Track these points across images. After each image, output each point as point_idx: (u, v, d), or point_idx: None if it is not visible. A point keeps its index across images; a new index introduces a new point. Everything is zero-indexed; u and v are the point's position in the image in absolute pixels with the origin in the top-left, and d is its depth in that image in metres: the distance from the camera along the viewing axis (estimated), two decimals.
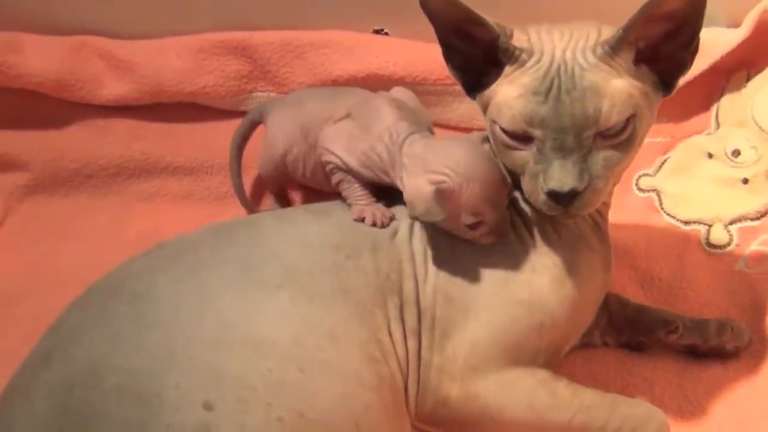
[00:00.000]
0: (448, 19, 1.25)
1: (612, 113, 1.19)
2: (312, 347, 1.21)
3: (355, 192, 1.43)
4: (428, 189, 1.27)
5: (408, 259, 1.34)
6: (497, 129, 1.25)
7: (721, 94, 1.83)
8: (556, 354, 1.37)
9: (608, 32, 1.23)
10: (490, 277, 1.32)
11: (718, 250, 1.65)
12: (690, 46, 1.25)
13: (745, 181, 1.70)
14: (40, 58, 1.89)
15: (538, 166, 1.22)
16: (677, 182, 1.76)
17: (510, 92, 1.23)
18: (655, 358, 1.52)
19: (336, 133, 1.47)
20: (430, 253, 1.35)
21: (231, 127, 1.81)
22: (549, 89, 1.20)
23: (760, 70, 1.78)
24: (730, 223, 1.67)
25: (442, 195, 1.27)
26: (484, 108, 1.29)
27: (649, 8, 1.18)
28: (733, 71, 1.83)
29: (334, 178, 1.46)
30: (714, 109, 1.82)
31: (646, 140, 1.74)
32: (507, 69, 1.25)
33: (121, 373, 1.12)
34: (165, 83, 1.87)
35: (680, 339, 1.49)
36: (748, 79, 1.80)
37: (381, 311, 1.30)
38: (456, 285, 1.32)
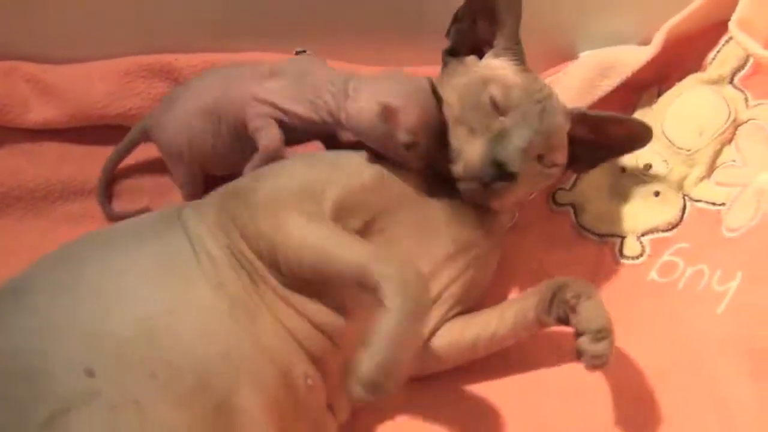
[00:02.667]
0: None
1: (559, 148, 1.52)
2: (172, 290, 1.30)
3: (272, 131, 1.57)
4: (374, 106, 1.45)
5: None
6: (486, 92, 1.48)
7: (633, 110, 1.88)
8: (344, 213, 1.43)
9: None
10: (291, 163, 1.52)
11: (631, 261, 1.71)
12: (612, 156, 1.56)
13: (657, 193, 1.76)
14: None
15: (496, 134, 1.44)
16: (592, 196, 1.81)
17: (509, 72, 1.52)
18: None
19: (276, 87, 1.61)
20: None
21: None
22: (537, 91, 1.49)
23: (670, 86, 1.84)
24: (643, 235, 1.72)
25: (385, 111, 1.44)
26: (461, 70, 1.55)
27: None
28: (645, 88, 1.88)
29: (255, 123, 1.59)
30: None
31: None
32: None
33: (6, 354, 1.17)
34: (91, 106, 1.88)
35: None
36: (659, 95, 1.86)
37: (200, 235, 1.40)
38: (255, 176, 1.50)
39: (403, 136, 1.44)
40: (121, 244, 1.38)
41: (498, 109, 1.47)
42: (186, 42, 1.89)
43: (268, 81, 1.62)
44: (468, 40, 1.57)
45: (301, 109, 1.58)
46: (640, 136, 1.56)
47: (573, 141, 1.54)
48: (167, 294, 1.29)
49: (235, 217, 1.40)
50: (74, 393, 1.13)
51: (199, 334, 1.26)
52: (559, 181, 1.82)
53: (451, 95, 1.51)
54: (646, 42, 1.85)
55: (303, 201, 1.38)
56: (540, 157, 1.49)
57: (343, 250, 1.32)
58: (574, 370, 1.45)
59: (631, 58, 1.82)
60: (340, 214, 1.40)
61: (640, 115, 1.86)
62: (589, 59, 1.87)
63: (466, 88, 1.51)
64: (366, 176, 1.46)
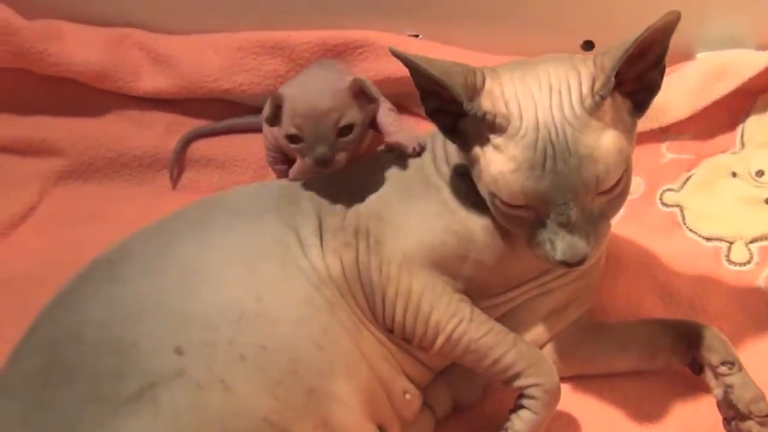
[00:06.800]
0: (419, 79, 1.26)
1: (608, 177, 1.20)
2: (266, 276, 1.29)
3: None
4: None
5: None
6: (497, 201, 1.26)
7: (747, 115, 1.85)
8: (473, 293, 1.39)
9: (585, 69, 1.23)
10: (424, 210, 1.37)
11: (738, 268, 1.67)
12: (659, 66, 1.26)
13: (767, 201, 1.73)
14: (80, 47, 1.92)
15: (542, 235, 1.23)
16: (701, 199, 1.77)
17: (503, 165, 1.22)
18: None
19: None
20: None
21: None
22: (544, 160, 1.19)
23: None
24: (751, 242, 1.69)
25: (274, 98, 1.38)
26: (470, 164, 1.30)
27: (632, 47, 1.18)
28: (760, 93, 1.85)
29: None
30: (739, 129, 1.85)
31: (673, 156, 1.78)
32: (488, 133, 1.24)
33: (98, 326, 1.20)
34: (202, 80, 1.90)
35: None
36: None
37: (317, 240, 1.36)
38: (387, 211, 1.38)
39: (286, 128, 1.40)
40: (219, 219, 1.37)
41: (521, 206, 1.25)
42: (299, 19, 1.90)
43: None
44: (453, 111, 1.27)
45: None
46: (671, 26, 1.22)
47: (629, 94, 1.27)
48: (258, 279, 1.29)
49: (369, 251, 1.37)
50: (162, 369, 1.15)
51: (293, 322, 1.26)
52: (668, 182, 1.81)
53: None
54: (763, 47, 1.83)
55: (439, 275, 1.36)
56: (597, 195, 1.23)
57: (496, 350, 1.34)
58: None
59: (748, 62, 1.80)
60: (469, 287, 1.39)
61: (754, 120, 1.83)
62: (705, 61, 1.85)
63: (490, 203, 1.30)
64: (494, 253, 1.37)
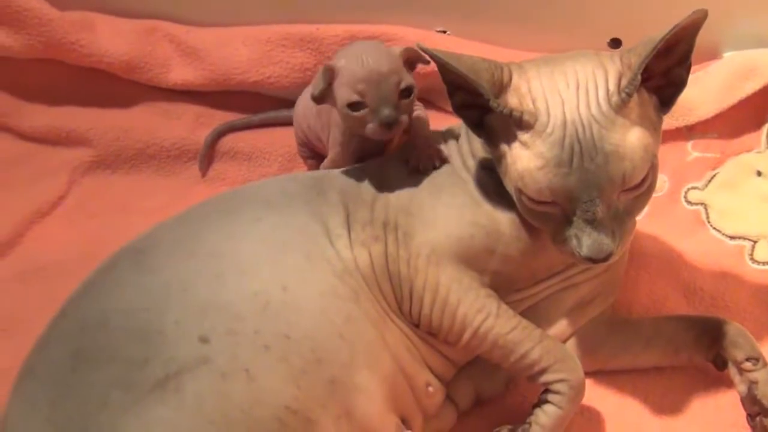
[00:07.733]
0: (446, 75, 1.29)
1: (634, 174, 1.21)
2: (291, 266, 1.30)
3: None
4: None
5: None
6: (523, 197, 1.26)
7: None
8: (499, 287, 1.39)
9: (612, 66, 1.24)
10: (452, 202, 1.38)
11: (762, 266, 1.66)
12: (685, 63, 1.26)
13: None
14: (111, 38, 1.95)
15: (568, 231, 1.24)
16: (725, 197, 1.77)
17: (530, 162, 1.22)
18: None
19: None
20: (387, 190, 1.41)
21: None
22: (571, 157, 1.20)
23: None
24: None
25: (326, 71, 1.39)
26: (496, 159, 1.31)
27: (659, 45, 1.19)
28: None
29: None
30: (765, 128, 1.83)
31: (698, 154, 1.78)
32: (515, 129, 1.25)
33: (125, 313, 1.21)
34: (231, 72, 1.93)
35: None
36: None
37: (344, 231, 1.37)
38: (416, 204, 1.38)
39: (346, 95, 1.38)
40: (246, 210, 1.38)
41: (547, 203, 1.25)
42: (327, 13, 1.92)
43: None
44: (480, 105, 1.27)
45: None
46: (697, 24, 1.22)
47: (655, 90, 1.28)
48: (284, 269, 1.29)
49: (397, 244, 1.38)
50: (187, 357, 1.15)
51: (317, 312, 1.27)
52: (693, 180, 1.81)
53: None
54: None
55: (466, 269, 1.36)
56: (623, 192, 1.23)
57: (522, 346, 1.34)
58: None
59: None
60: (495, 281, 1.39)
61: None
62: (732, 61, 1.84)
63: (516, 199, 1.30)
64: (520, 246, 1.37)
